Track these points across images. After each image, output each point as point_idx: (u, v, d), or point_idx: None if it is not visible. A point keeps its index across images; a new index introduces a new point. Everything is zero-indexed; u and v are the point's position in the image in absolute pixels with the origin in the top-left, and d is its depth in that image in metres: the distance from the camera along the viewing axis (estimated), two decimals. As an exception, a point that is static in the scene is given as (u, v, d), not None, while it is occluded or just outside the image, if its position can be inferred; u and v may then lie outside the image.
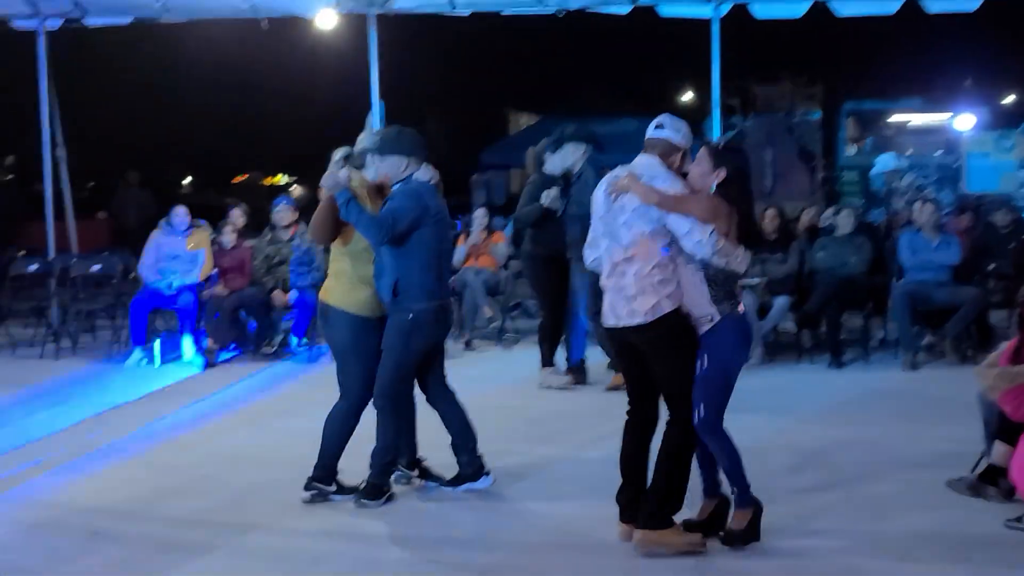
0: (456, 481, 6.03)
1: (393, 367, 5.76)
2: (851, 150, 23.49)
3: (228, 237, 10.79)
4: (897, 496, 5.91)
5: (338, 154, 6.02)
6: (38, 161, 12.41)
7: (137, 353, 10.34)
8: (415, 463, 6.18)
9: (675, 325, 4.94)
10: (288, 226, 10.80)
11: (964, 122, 21.29)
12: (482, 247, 11.84)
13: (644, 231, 4.94)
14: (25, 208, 15.90)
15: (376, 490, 5.83)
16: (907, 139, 23.52)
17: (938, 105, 23.59)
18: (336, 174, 5.66)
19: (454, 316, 5.97)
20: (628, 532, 5.07)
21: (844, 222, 10.28)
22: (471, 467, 6.01)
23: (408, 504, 5.88)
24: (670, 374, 5.02)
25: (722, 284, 4.99)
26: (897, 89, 23.13)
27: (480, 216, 12.02)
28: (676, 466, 5.00)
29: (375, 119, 11.94)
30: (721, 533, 5.10)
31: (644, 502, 5.00)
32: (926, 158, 22.40)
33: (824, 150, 26.80)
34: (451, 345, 11.21)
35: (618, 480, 5.23)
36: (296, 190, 33.44)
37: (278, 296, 10.57)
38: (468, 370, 10.04)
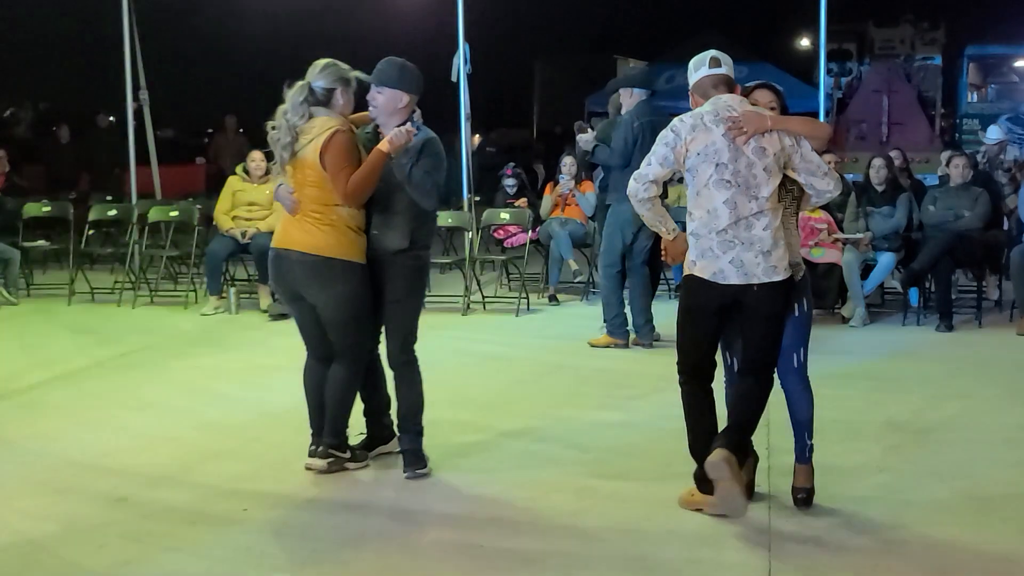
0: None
1: (413, 317, 5.42)
2: (973, 97, 22.41)
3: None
4: (1004, 500, 5.15)
5: (299, 95, 5.17)
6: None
7: (213, 301, 10.10)
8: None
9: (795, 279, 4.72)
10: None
11: None
12: (570, 196, 11.31)
13: (779, 178, 4.62)
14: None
15: (419, 457, 5.43)
16: (1032, 85, 22.47)
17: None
18: (404, 132, 5.09)
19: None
20: None
21: (956, 172, 9.50)
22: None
23: (448, 479, 5.42)
24: (776, 330, 4.70)
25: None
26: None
27: (569, 164, 11.44)
28: (756, 413, 4.77)
29: (460, 62, 11.44)
30: (799, 493, 4.89)
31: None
32: None
33: (944, 97, 25.70)
34: (536, 299, 10.86)
35: (685, 455, 4.88)
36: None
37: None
38: (549, 326, 9.63)
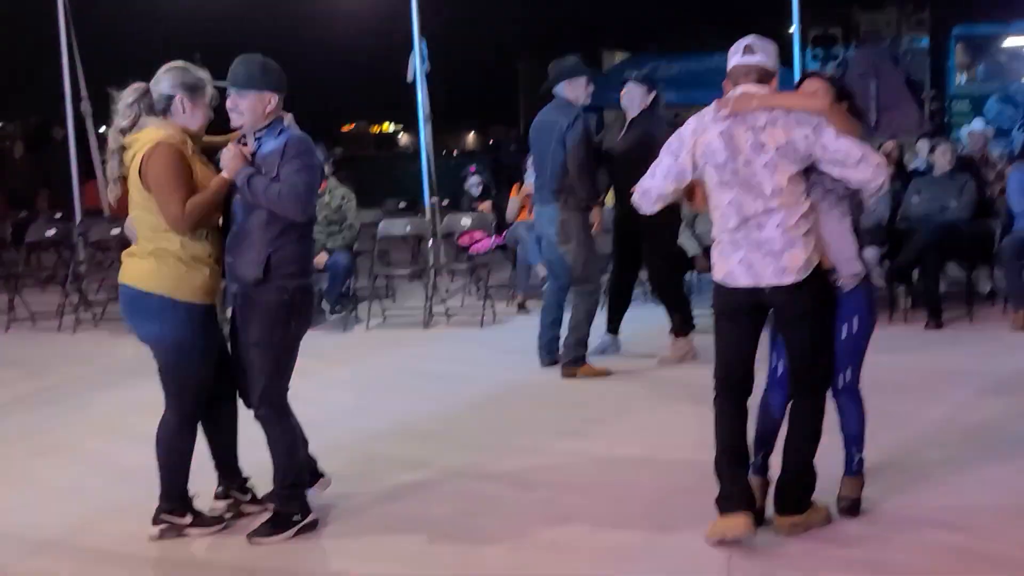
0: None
1: (273, 362, 4.54)
2: (961, 78, 21.87)
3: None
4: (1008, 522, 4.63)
5: (131, 96, 4.53)
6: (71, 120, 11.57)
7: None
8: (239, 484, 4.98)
9: (826, 282, 4.41)
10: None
11: None
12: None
13: (791, 172, 4.26)
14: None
15: (278, 524, 4.65)
16: (1023, 65, 21.97)
17: (1058, 27, 21.74)
18: (237, 152, 4.45)
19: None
20: (748, 524, 4.30)
21: (942, 159, 8.90)
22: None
23: (364, 534, 4.80)
24: (813, 339, 4.40)
25: (862, 232, 4.53)
26: (1012, 10, 21.33)
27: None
28: (815, 441, 4.48)
29: (416, 60, 10.83)
30: (844, 502, 4.66)
31: (785, 487, 4.47)
32: None
33: (932, 79, 25.23)
34: (504, 307, 10.27)
35: (642, 490, 4.68)
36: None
37: (307, 259, 9.60)
38: (514, 339, 9.03)
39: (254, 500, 4.93)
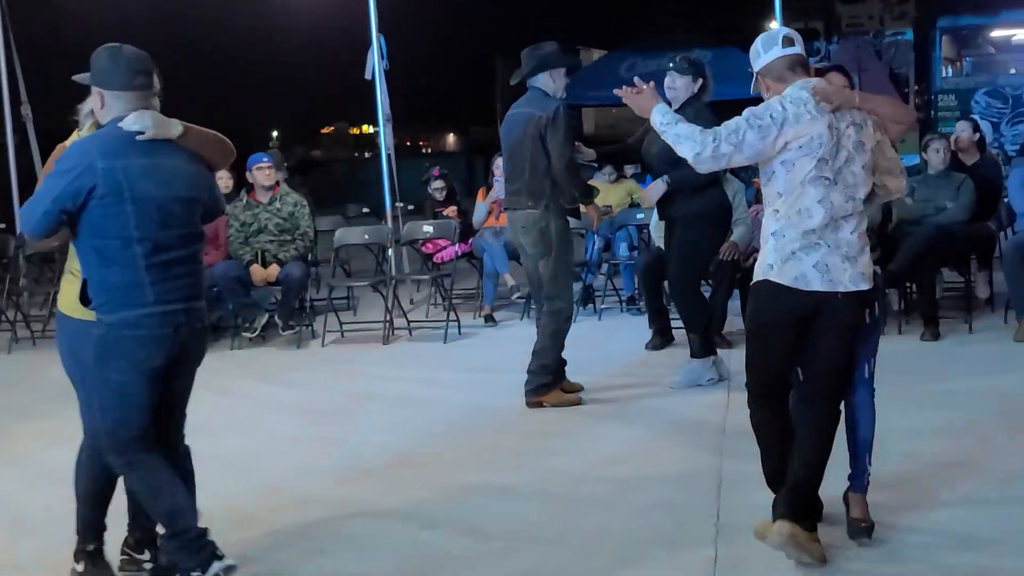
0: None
1: (99, 410, 3.91)
2: (947, 72, 21.37)
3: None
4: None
5: (88, 104, 3.99)
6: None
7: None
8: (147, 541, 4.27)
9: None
10: (268, 187, 9.15)
11: None
12: (501, 203, 10.06)
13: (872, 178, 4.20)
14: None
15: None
16: (1011, 57, 21.59)
17: (1046, 16, 21.26)
18: None
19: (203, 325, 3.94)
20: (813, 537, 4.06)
21: (936, 157, 8.28)
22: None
23: None
24: (851, 344, 4.21)
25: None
26: (998, 0, 20.83)
27: (501, 165, 10.16)
28: (831, 446, 4.21)
29: (374, 58, 10.18)
30: (863, 523, 4.28)
31: (798, 491, 4.11)
32: None
33: (917, 73, 24.79)
34: (471, 319, 9.64)
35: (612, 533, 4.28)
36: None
37: (257, 271, 8.95)
38: (479, 355, 8.41)
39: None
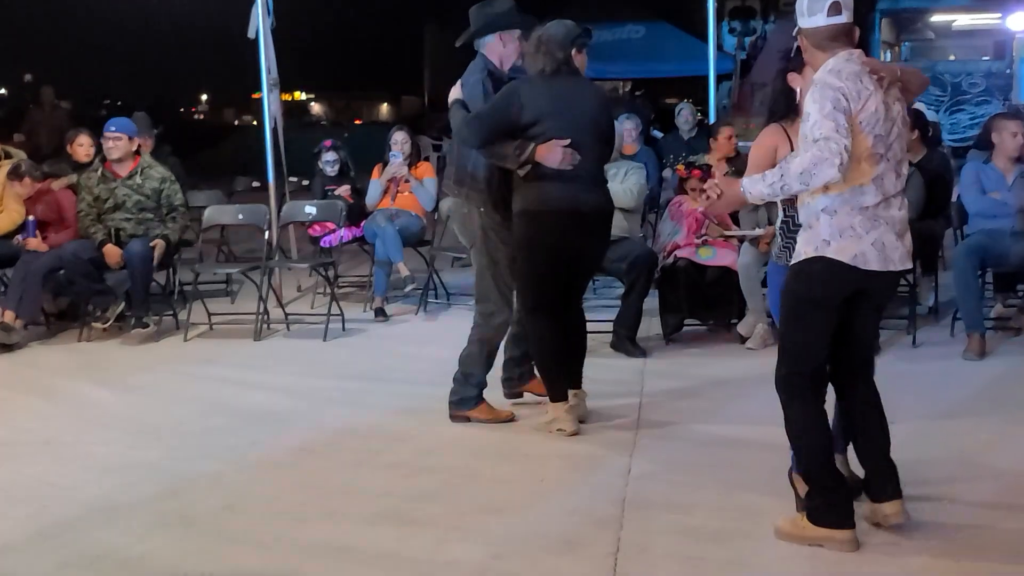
0: None
1: None
2: (886, 57, 20.72)
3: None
4: None
5: None
6: None
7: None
8: None
9: None
10: (122, 159, 7.98)
11: (1018, 21, 18.74)
12: (403, 182, 9.00)
13: None
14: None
15: None
16: (951, 42, 21.07)
17: (988, 2, 20.76)
18: None
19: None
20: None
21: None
22: None
23: None
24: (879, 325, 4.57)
25: None
26: (941, -17, 20.21)
27: (401, 140, 9.10)
28: None
29: (259, 13, 9.01)
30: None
31: (886, 470, 4.16)
32: (972, 64, 19.79)
33: (855, 57, 24.09)
34: (361, 312, 8.59)
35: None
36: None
37: (112, 251, 7.80)
38: (360, 356, 7.38)
39: None
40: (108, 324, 7.83)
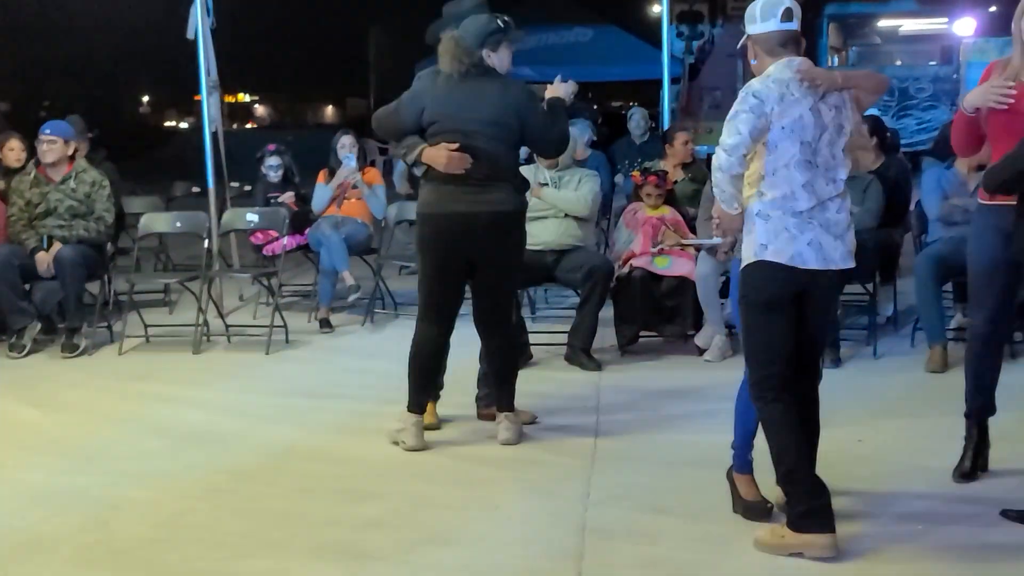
0: None
1: None
2: (833, 61, 20.80)
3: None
4: None
5: None
6: None
7: None
8: None
9: None
10: (56, 163, 7.62)
11: (964, 27, 18.79)
12: (350, 188, 8.69)
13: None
14: None
15: None
16: (898, 47, 21.13)
17: (934, 8, 20.87)
18: None
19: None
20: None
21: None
22: None
23: None
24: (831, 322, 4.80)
25: None
26: (888, -12, 20.27)
27: (348, 143, 8.80)
28: None
29: (198, 14, 8.68)
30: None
31: None
32: (919, 69, 19.88)
33: (803, 62, 24.18)
34: (305, 323, 8.29)
35: None
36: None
37: (41, 259, 7.45)
38: (303, 371, 7.08)
39: None
40: (25, 352, 7.39)
